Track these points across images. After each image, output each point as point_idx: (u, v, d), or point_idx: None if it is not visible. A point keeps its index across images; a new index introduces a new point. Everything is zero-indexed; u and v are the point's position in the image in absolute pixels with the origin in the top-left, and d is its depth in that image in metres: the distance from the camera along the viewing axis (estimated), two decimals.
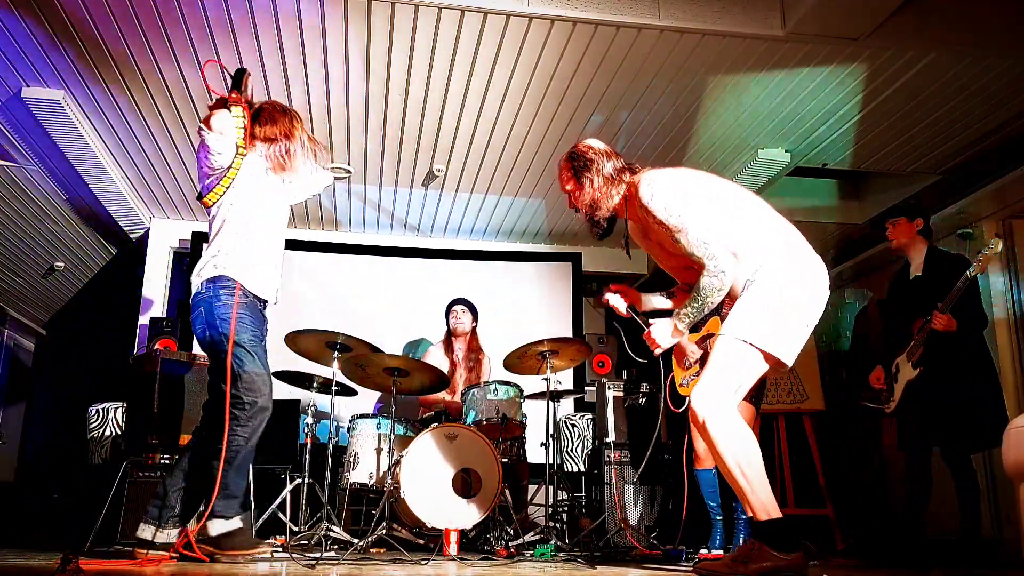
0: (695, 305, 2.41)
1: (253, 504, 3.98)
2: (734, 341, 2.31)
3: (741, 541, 3.69)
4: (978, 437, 3.53)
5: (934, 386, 3.60)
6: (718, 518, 3.80)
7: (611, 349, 5.82)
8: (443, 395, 4.75)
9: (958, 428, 3.54)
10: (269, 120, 2.92)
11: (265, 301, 2.98)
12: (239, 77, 2.90)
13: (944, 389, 3.58)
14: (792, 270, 2.38)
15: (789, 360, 2.35)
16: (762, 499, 2.23)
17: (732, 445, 2.25)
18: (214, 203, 2.89)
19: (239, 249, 2.88)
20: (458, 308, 5.09)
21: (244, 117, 2.85)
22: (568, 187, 2.66)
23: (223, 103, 2.88)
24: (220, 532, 2.76)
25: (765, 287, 2.35)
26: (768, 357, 2.33)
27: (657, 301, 2.82)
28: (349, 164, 5.03)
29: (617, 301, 2.77)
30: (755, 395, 3.32)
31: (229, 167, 2.85)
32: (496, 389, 4.32)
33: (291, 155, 2.93)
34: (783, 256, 2.40)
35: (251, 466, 2.94)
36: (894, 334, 3.84)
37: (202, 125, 2.83)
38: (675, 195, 2.43)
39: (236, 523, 2.79)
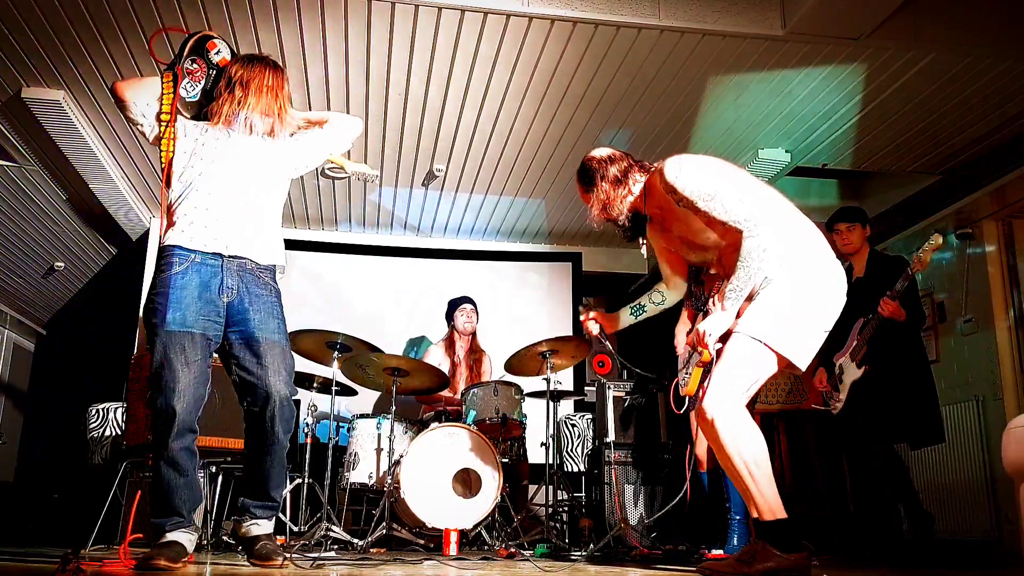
0: (742, 275, 2.29)
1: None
2: (749, 340, 2.28)
3: (735, 541, 3.69)
4: (920, 433, 3.57)
5: (876, 384, 3.59)
6: (737, 518, 3.79)
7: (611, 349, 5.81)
8: (444, 394, 4.75)
9: (901, 425, 3.56)
10: (227, 89, 2.61)
11: (220, 255, 2.51)
12: (183, 47, 2.63)
13: (886, 386, 3.58)
14: (812, 272, 2.35)
15: (803, 364, 2.33)
16: (768, 499, 2.22)
17: (741, 445, 2.23)
18: (167, 180, 2.59)
19: (182, 207, 2.54)
20: (468, 307, 5.07)
21: (169, 84, 2.58)
22: (585, 197, 2.69)
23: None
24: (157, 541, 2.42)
25: (784, 287, 2.31)
26: (780, 359, 2.30)
27: (625, 320, 2.93)
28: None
29: (593, 327, 2.90)
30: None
31: (160, 138, 2.57)
32: (496, 389, 4.32)
33: (277, 118, 2.63)
34: (803, 256, 2.37)
35: (186, 479, 2.46)
36: (835, 336, 3.84)
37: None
38: (704, 169, 2.41)
39: (171, 536, 2.41)
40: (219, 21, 3.55)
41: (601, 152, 2.70)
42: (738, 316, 2.38)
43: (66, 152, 4.60)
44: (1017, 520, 2.65)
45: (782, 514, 2.22)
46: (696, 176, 2.37)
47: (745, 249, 2.28)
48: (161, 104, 2.59)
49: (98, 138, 4.60)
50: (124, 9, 3.45)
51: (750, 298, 2.38)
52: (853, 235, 3.78)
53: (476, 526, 3.83)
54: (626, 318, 2.92)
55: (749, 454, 2.22)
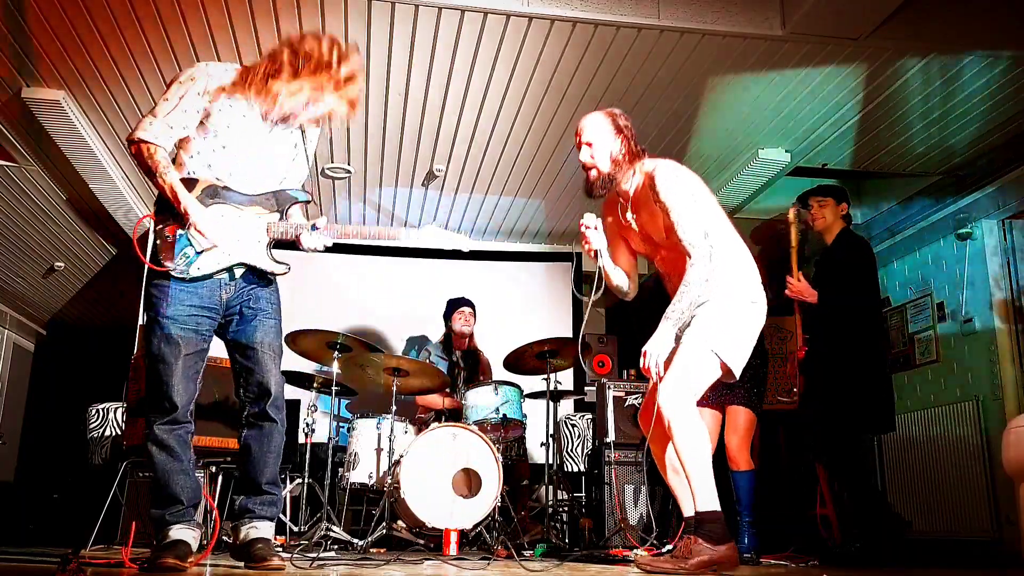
0: (685, 300, 2.49)
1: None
2: (704, 349, 2.49)
3: (745, 541, 3.70)
4: (866, 420, 3.46)
5: (820, 366, 3.52)
6: (747, 519, 3.78)
7: (611, 349, 5.82)
8: (443, 396, 4.75)
9: (848, 411, 3.43)
10: None
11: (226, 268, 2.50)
12: None
13: (828, 369, 3.49)
14: (751, 292, 2.61)
15: (739, 372, 2.54)
16: (707, 491, 2.42)
17: (693, 442, 2.43)
18: None
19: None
20: (466, 309, 5.08)
21: None
22: (597, 137, 2.69)
23: None
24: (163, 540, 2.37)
25: (732, 303, 2.54)
26: (723, 366, 2.51)
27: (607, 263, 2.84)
28: (349, 164, 5.03)
29: (595, 237, 2.76)
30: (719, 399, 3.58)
31: None
32: (496, 389, 4.32)
33: None
34: (746, 278, 2.61)
35: (181, 465, 2.39)
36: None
37: None
38: (696, 188, 2.60)
39: (174, 535, 2.36)
40: (220, 23, 3.55)
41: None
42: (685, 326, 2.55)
43: (66, 152, 4.59)
44: (1017, 520, 2.66)
45: (716, 507, 2.42)
46: (682, 192, 2.54)
47: (689, 276, 2.48)
48: None
49: (98, 138, 4.60)
50: (124, 9, 3.44)
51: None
52: (824, 211, 3.77)
53: (476, 526, 3.83)
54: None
55: (699, 451, 2.43)
